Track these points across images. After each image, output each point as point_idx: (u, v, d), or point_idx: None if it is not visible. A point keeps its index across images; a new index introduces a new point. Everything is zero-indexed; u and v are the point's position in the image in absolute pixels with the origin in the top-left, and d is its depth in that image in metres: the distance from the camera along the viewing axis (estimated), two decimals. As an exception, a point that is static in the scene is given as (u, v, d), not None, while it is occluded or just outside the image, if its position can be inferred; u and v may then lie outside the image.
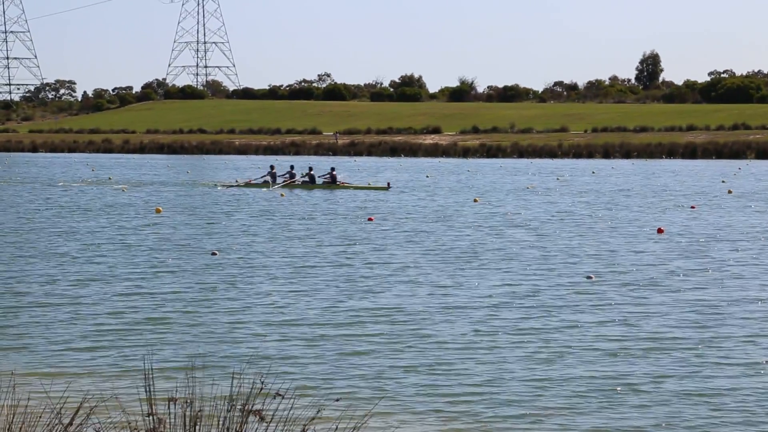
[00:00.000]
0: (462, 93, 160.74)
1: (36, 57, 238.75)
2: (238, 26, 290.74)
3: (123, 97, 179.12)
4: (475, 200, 43.10)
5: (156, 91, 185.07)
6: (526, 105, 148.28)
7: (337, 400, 11.33)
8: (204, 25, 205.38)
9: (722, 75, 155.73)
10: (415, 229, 30.88)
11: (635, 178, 62.74)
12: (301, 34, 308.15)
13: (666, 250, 25.75)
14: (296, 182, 51.11)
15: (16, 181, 58.09)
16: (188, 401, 7.71)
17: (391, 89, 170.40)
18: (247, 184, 51.92)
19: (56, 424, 7.37)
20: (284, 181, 51.10)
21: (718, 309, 17.43)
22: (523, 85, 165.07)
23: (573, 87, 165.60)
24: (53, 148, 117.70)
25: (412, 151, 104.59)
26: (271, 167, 53.35)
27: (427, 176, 63.91)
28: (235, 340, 14.91)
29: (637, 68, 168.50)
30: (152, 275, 21.07)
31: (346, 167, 71.38)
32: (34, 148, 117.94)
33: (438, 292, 19.05)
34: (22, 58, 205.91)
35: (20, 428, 7.46)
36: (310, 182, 50.85)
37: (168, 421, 7.60)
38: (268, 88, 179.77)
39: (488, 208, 39.11)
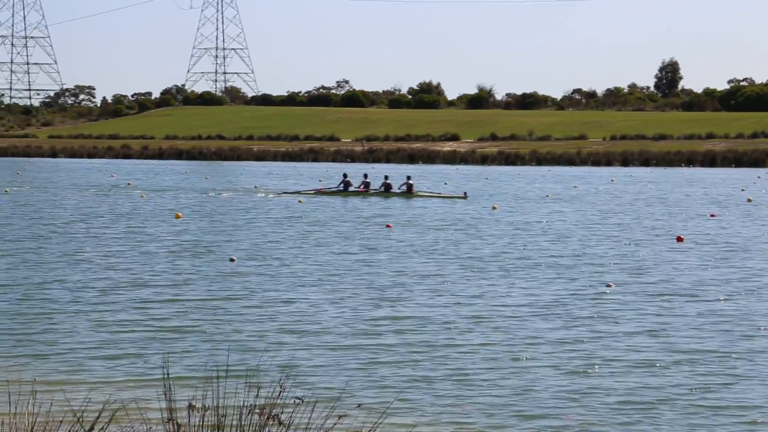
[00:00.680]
0: (480, 100, 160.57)
1: (56, 62, 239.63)
2: (257, 33, 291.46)
3: (142, 103, 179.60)
4: (494, 207, 43.02)
5: (175, 97, 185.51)
6: (545, 112, 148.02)
7: (358, 406, 11.31)
8: (223, 31, 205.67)
9: (741, 83, 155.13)
10: (436, 237, 30.84)
11: (654, 186, 62.52)
12: (319, 41, 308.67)
13: (686, 259, 25.63)
14: (371, 191, 50.02)
15: (41, 185, 58.28)
16: (207, 408, 7.71)
17: (410, 96, 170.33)
18: (318, 192, 50.89)
19: (77, 431, 7.37)
20: (359, 189, 50.04)
21: (740, 319, 17.33)
22: (541, 92, 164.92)
23: (592, 94, 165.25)
24: (72, 154, 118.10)
25: (430, 158, 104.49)
26: (345, 175, 51.42)
27: (446, 183, 63.84)
28: (254, 347, 14.89)
29: (656, 76, 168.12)
30: (171, 282, 21.09)
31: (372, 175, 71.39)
32: (54, 154, 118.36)
33: (460, 301, 19.01)
34: (42, 64, 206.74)
35: (41, 435, 7.46)
36: (385, 191, 49.79)
37: (187, 427, 7.59)
38: (286, 94, 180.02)
39: (507, 216, 39.03)
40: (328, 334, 15.82)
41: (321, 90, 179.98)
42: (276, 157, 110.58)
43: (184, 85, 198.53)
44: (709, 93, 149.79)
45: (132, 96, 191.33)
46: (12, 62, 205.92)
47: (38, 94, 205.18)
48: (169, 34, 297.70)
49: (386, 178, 51.37)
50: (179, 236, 30.49)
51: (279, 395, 7.89)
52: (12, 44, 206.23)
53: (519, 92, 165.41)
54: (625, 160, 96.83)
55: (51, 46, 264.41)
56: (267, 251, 26.71)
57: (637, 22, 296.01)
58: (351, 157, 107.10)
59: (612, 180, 69.36)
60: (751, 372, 13.68)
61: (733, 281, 21.72)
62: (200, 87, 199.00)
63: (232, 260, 24.58)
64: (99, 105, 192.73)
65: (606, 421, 11.47)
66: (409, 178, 50.93)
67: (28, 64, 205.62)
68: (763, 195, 52.81)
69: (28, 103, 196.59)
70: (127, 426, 8.51)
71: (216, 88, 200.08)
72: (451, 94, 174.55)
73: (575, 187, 60.81)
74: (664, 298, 19.46)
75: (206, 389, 8.00)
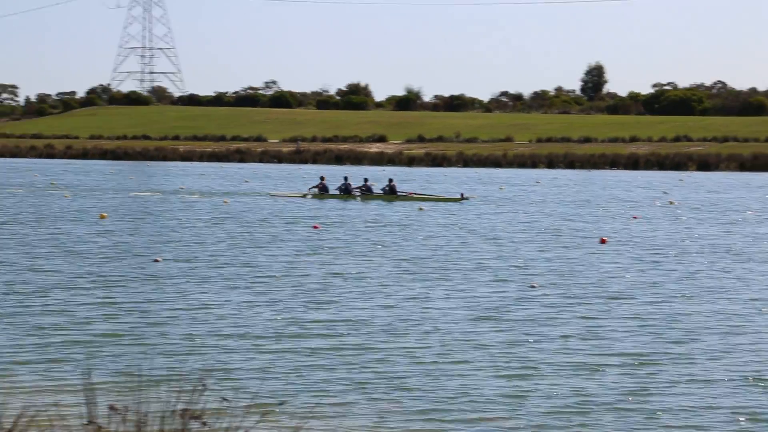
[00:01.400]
0: (408, 102, 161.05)
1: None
2: (184, 32, 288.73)
3: (67, 103, 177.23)
4: (420, 209, 43.16)
5: (100, 97, 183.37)
6: (472, 114, 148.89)
7: (281, 404, 11.31)
8: (150, 30, 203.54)
9: (665, 87, 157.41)
10: (367, 239, 30.90)
11: (579, 188, 63.23)
12: (247, 41, 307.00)
13: (609, 260, 25.97)
14: (355, 194, 48.93)
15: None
16: (129, 409, 7.66)
17: (338, 97, 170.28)
18: (303, 195, 49.63)
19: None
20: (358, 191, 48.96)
21: (661, 320, 17.60)
22: (469, 94, 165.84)
23: (518, 97, 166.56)
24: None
25: (358, 159, 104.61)
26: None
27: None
28: (178, 350, 14.81)
29: (581, 79, 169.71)
30: (94, 284, 20.87)
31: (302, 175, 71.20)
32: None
33: (384, 304, 19.06)
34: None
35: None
36: (368, 192, 48.86)
37: (108, 428, 7.54)
38: (213, 94, 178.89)
39: (433, 218, 39.21)
40: (253, 337, 15.78)
41: (248, 90, 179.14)
42: (202, 157, 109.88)
43: (109, 85, 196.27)
44: (633, 97, 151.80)
45: (56, 95, 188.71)
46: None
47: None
48: (95, 32, 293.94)
49: (366, 180, 50.34)
50: (103, 237, 30.18)
51: (202, 396, 7.88)
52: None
53: (447, 94, 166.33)
54: (551, 163, 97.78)
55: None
56: (193, 252, 26.54)
57: (564, 26, 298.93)
58: (278, 158, 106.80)
59: (537, 182, 69.99)
60: (676, 374, 13.90)
61: (656, 282, 22.06)
62: (126, 86, 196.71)
63: (156, 261, 24.40)
64: (22, 104, 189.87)
65: (539, 425, 11.59)
66: (391, 180, 50.10)
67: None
68: (684, 198, 53.67)
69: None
70: (47, 430, 8.43)
71: (142, 87, 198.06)
72: (379, 96, 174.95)
73: (501, 188, 61.27)
74: (588, 299, 19.70)
75: (129, 392, 7.96)
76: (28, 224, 34.23)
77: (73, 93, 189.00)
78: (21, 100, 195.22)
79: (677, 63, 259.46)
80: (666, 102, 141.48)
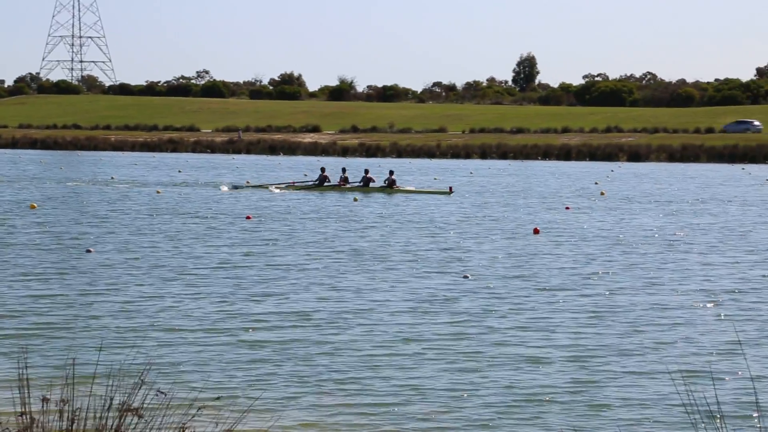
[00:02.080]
0: (342, 92, 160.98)
1: None
2: (114, 21, 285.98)
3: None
4: (355, 199, 43.14)
5: (29, 86, 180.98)
6: (405, 105, 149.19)
7: (218, 398, 11.27)
8: (80, 19, 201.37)
9: (596, 78, 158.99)
10: (300, 229, 30.84)
11: (512, 179, 63.65)
12: (179, 30, 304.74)
13: (542, 251, 26.18)
14: (350, 185, 48.17)
15: None
16: (65, 401, 7.59)
17: (271, 87, 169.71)
18: (291, 186, 48.70)
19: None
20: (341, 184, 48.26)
21: (594, 308, 17.79)
22: (402, 85, 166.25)
23: (451, 88, 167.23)
24: None
25: (291, 149, 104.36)
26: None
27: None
28: (113, 341, 14.67)
29: (514, 70, 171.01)
30: (25, 275, 20.59)
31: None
32: None
33: (323, 296, 19.06)
34: None
35: None
36: (365, 185, 47.88)
37: (42, 420, 7.47)
38: (145, 84, 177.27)
39: (366, 208, 39.23)
40: (188, 330, 15.68)
41: (181, 80, 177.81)
42: (134, 147, 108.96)
43: (38, 74, 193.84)
44: (564, 88, 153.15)
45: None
46: None
47: None
48: (23, 20, 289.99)
49: (366, 172, 49.56)
50: (34, 227, 29.78)
51: (139, 389, 7.82)
52: None
53: (380, 85, 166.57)
54: (484, 153, 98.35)
55: None
56: (126, 243, 26.29)
57: (496, 16, 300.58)
58: (211, 148, 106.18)
59: (471, 173, 70.34)
60: (616, 366, 14.06)
61: (587, 272, 22.28)
62: (56, 75, 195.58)
63: (89, 252, 24.15)
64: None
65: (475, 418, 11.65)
66: (391, 173, 49.20)
67: None
68: (615, 188, 54.26)
69: None
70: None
71: (72, 76, 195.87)
72: (312, 86, 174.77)
73: (435, 179, 61.46)
74: (522, 290, 19.84)
75: (64, 385, 7.87)
76: (-43, 215, 33.67)
77: (2, 82, 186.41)
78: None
79: (608, 54, 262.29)
80: (597, 93, 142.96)
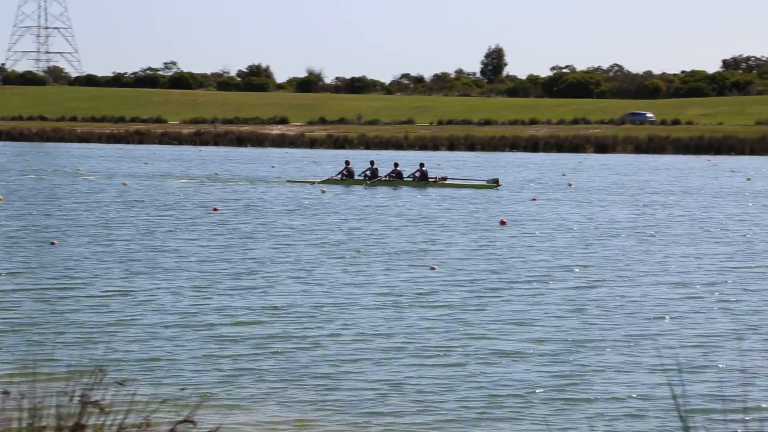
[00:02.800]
0: (310, 84, 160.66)
1: None
2: (81, 11, 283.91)
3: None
4: (323, 192, 43.06)
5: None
6: (373, 97, 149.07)
7: (182, 389, 11.21)
8: (46, 9, 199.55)
9: (564, 70, 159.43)
10: (274, 223, 30.76)
11: (479, 171, 63.73)
12: (146, 21, 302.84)
13: (509, 242, 26.22)
14: (382, 178, 47.28)
15: None
16: (24, 395, 7.52)
17: (238, 79, 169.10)
18: (326, 181, 47.40)
19: None
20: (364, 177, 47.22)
21: (559, 298, 17.83)
22: (370, 76, 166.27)
23: (419, 79, 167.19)
24: None
25: (259, 141, 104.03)
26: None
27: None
28: (76, 336, 14.56)
29: (482, 62, 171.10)
30: (-11, 266, 20.42)
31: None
32: None
33: (292, 290, 19.01)
34: None
35: None
36: (397, 178, 47.01)
37: (1, 414, 7.39)
38: (111, 75, 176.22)
39: (335, 200, 39.18)
40: (153, 324, 15.59)
41: (148, 71, 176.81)
42: (101, 138, 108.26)
43: (4, 65, 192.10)
44: (532, 79, 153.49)
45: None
46: None
47: None
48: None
49: (396, 165, 48.79)
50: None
51: (101, 381, 7.75)
52: None
53: (348, 76, 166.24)
54: (452, 145, 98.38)
55: None
56: (92, 235, 26.11)
57: (464, 8, 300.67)
58: (178, 140, 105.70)
59: (438, 164, 70.39)
60: (594, 358, 14.09)
61: (555, 264, 22.34)
62: (21, 66, 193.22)
63: (52, 243, 23.97)
64: None
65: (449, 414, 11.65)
66: (422, 165, 48.35)
67: None
68: (582, 180, 54.44)
69: None
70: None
71: (38, 67, 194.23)
72: (280, 78, 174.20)
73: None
74: (490, 280, 19.86)
75: (24, 378, 7.79)
76: None
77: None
78: None
79: (575, 46, 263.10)
80: (564, 85, 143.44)
